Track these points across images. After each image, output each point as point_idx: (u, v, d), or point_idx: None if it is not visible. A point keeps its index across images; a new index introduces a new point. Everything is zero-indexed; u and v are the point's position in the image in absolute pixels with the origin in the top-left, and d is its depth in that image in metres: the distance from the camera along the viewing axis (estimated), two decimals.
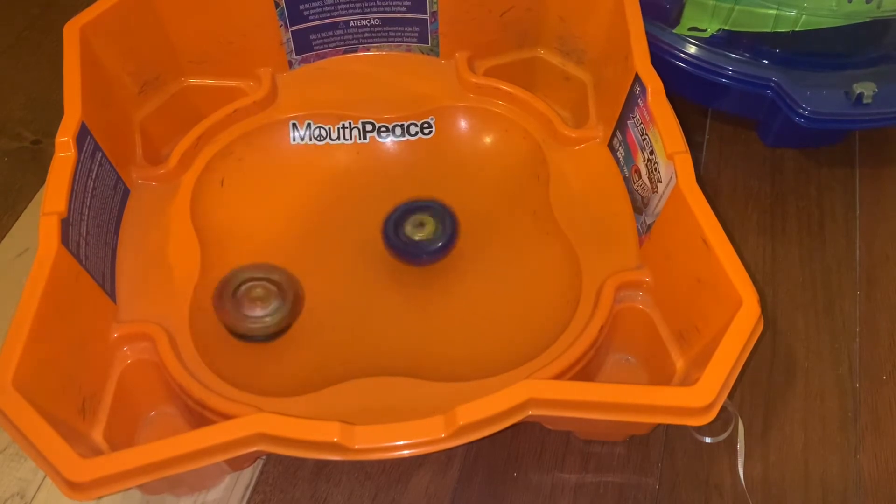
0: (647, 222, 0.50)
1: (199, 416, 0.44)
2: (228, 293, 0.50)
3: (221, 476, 0.48)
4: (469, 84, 0.60)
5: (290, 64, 0.61)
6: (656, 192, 0.49)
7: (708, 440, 0.50)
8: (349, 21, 0.60)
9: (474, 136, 0.60)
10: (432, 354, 0.50)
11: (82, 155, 0.47)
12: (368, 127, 0.60)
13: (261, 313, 0.49)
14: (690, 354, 0.45)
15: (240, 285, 0.50)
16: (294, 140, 0.59)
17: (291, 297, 0.50)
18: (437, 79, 0.61)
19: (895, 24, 0.60)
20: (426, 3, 0.59)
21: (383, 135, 0.60)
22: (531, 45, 0.62)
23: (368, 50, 0.62)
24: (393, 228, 0.54)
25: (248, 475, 0.48)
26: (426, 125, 0.60)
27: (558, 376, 0.45)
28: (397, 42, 0.62)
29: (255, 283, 0.50)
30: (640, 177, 0.52)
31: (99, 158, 0.50)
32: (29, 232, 0.60)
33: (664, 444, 0.50)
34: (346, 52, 0.62)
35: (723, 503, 0.48)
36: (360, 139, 0.60)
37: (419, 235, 0.53)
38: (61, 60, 0.49)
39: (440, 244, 0.53)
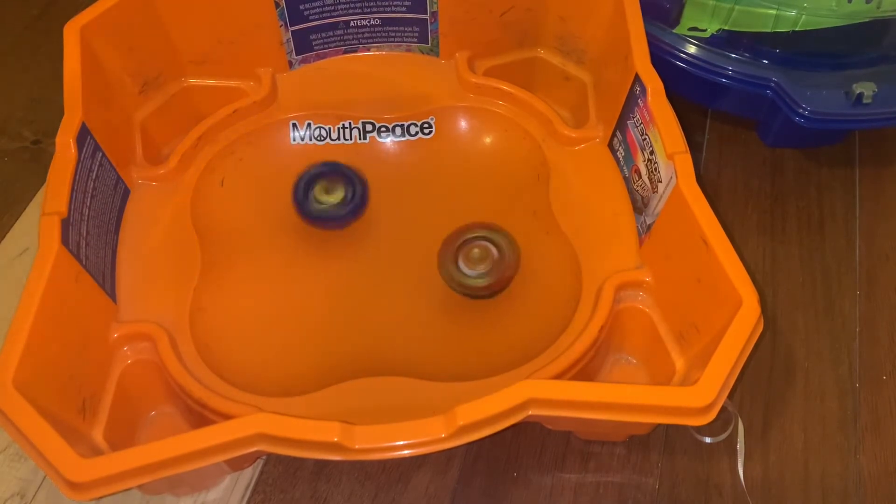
0: (647, 222, 0.50)
1: (199, 416, 0.44)
2: (451, 253, 0.52)
3: (221, 476, 0.48)
4: (469, 84, 0.60)
5: (291, 64, 0.61)
6: (656, 192, 0.49)
7: (708, 440, 0.50)
8: (349, 21, 0.60)
9: (474, 136, 0.60)
10: (432, 354, 0.50)
11: (82, 155, 0.47)
12: (368, 127, 0.60)
13: (481, 271, 0.51)
14: (690, 354, 0.45)
15: (461, 245, 0.52)
16: (294, 140, 0.59)
17: (507, 255, 0.52)
18: (437, 79, 0.61)
19: (895, 24, 0.60)
20: (426, 3, 0.59)
21: (383, 135, 0.60)
22: (531, 45, 0.62)
23: (368, 50, 0.62)
24: (303, 194, 0.55)
25: (248, 475, 0.48)
26: (426, 125, 0.60)
27: (558, 376, 0.45)
28: (397, 42, 0.62)
29: (474, 242, 0.52)
30: (640, 177, 0.52)
31: (99, 158, 0.50)
32: (29, 232, 0.60)
33: (664, 444, 0.50)
34: (346, 52, 0.62)
35: (723, 503, 0.48)
36: (360, 139, 0.60)
37: (330, 200, 0.54)
38: (61, 60, 0.49)
39: (349, 208, 0.55)
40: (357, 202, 0.55)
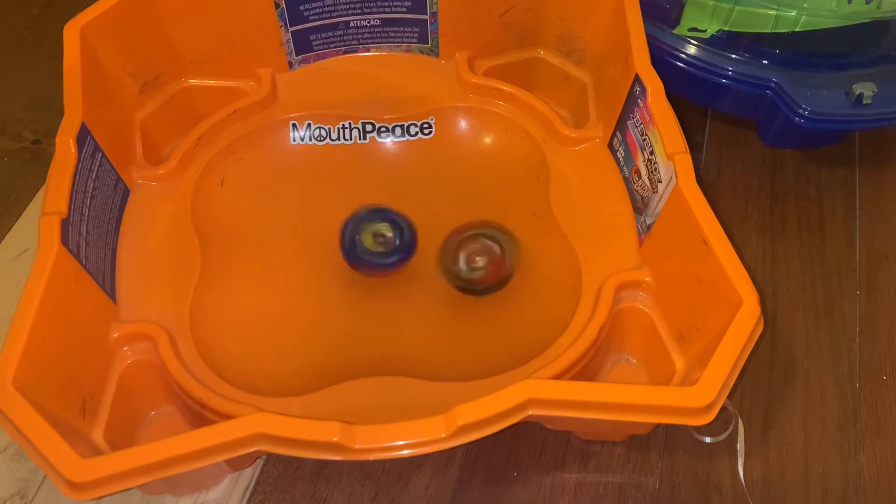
0: (647, 222, 0.50)
1: (199, 416, 0.44)
2: (451, 250, 0.52)
3: (221, 476, 0.48)
4: (469, 84, 0.60)
5: (291, 64, 0.61)
6: (656, 192, 0.49)
7: (708, 440, 0.50)
8: (349, 21, 0.60)
9: (474, 136, 0.60)
10: (432, 354, 0.50)
11: (83, 155, 0.47)
12: (368, 127, 0.60)
13: (479, 265, 0.51)
14: (690, 354, 0.45)
15: (464, 240, 0.52)
16: (294, 140, 0.59)
17: (507, 253, 0.52)
18: (437, 79, 0.61)
19: (895, 25, 0.60)
20: (426, 3, 0.59)
21: (383, 135, 0.60)
22: (531, 45, 0.62)
23: (368, 50, 0.62)
24: (350, 240, 0.52)
25: (248, 475, 0.48)
26: (426, 125, 0.60)
27: (558, 376, 0.45)
28: (397, 42, 0.62)
29: (474, 238, 0.52)
30: (640, 177, 0.52)
31: (99, 158, 0.50)
32: (29, 232, 0.60)
33: (664, 444, 0.50)
34: (346, 52, 0.62)
35: (723, 503, 0.48)
36: (360, 139, 0.60)
37: (379, 248, 0.52)
38: (61, 60, 0.49)
39: (398, 255, 0.52)
40: (408, 242, 0.53)
